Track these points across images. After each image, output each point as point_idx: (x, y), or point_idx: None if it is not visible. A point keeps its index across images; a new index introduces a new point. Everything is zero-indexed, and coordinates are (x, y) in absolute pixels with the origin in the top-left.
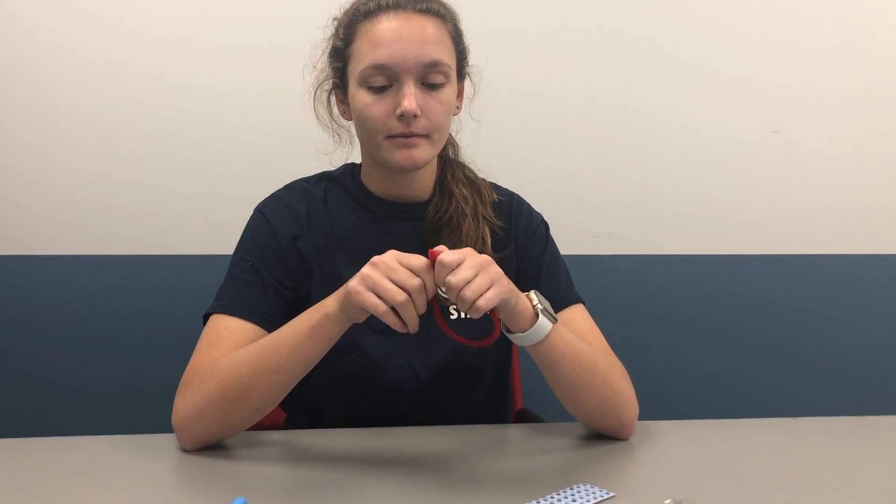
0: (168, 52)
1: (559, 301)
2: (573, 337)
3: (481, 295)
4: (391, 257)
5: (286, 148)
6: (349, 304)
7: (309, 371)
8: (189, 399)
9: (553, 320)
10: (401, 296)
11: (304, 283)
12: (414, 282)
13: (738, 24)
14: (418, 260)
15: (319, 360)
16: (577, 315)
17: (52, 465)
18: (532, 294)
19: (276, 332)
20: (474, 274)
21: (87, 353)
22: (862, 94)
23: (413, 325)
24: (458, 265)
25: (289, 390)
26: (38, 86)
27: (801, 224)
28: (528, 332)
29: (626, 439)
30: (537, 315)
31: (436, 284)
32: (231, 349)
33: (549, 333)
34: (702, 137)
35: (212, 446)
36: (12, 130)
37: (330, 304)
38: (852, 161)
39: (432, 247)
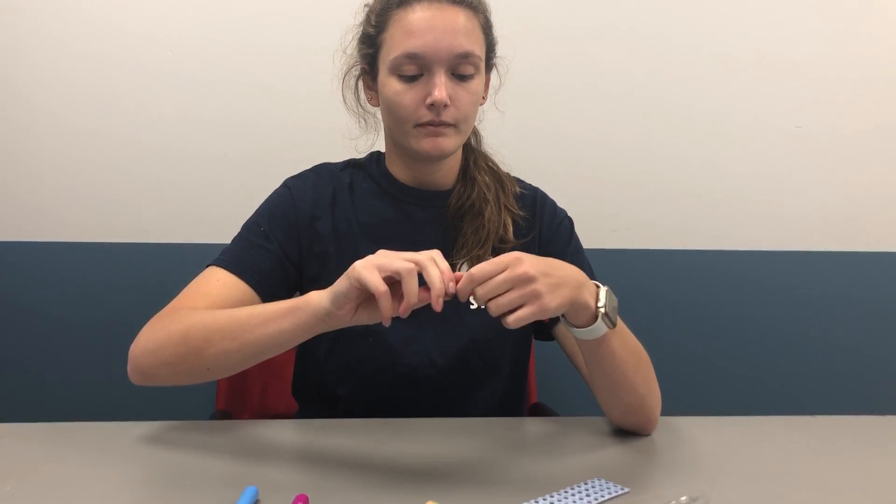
0: (192, 36)
1: None
2: (628, 334)
3: (511, 311)
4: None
5: (310, 135)
6: (340, 289)
7: (272, 356)
8: (153, 334)
9: (611, 325)
10: (407, 265)
11: (313, 264)
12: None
13: (762, 17)
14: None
15: (285, 347)
16: None
17: (61, 451)
18: (602, 291)
19: (262, 304)
20: (507, 288)
21: (96, 341)
22: (889, 89)
23: (412, 298)
24: (490, 278)
25: (245, 364)
26: (44, 73)
27: (825, 220)
28: (582, 328)
29: (649, 435)
30: (596, 317)
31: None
32: (218, 301)
33: (604, 333)
34: (723, 132)
35: (224, 435)
36: (19, 120)
37: (318, 294)
38: (878, 156)
39: (455, 232)
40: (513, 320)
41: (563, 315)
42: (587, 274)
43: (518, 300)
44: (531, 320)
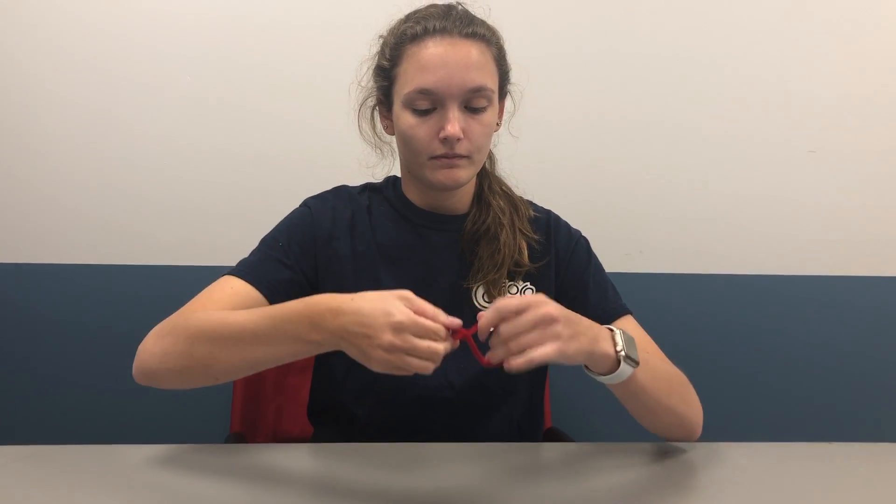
0: (212, 64)
1: (609, 313)
2: (655, 362)
3: (526, 350)
4: (407, 328)
5: (327, 163)
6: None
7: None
8: (160, 340)
9: (635, 365)
10: (429, 368)
11: (329, 283)
12: (437, 348)
13: (776, 43)
14: (436, 325)
15: (297, 358)
16: (628, 326)
17: (69, 475)
18: (617, 335)
19: (264, 315)
20: (531, 327)
21: (108, 363)
22: None
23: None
24: (515, 314)
25: (254, 372)
26: (48, 91)
27: (838, 245)
28: (608, 375)
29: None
30: (619, 361)
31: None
32: (228, 308)
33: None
34: (736, 156)
35: (238, 459)
36: (31, 143)
37: (329, 339)
38: (891, 182)
39: (471, 256)
40: (537, 355)
41: (586, 367)
42: (611, 292)
43: (540, 339)
44: (550, 360)
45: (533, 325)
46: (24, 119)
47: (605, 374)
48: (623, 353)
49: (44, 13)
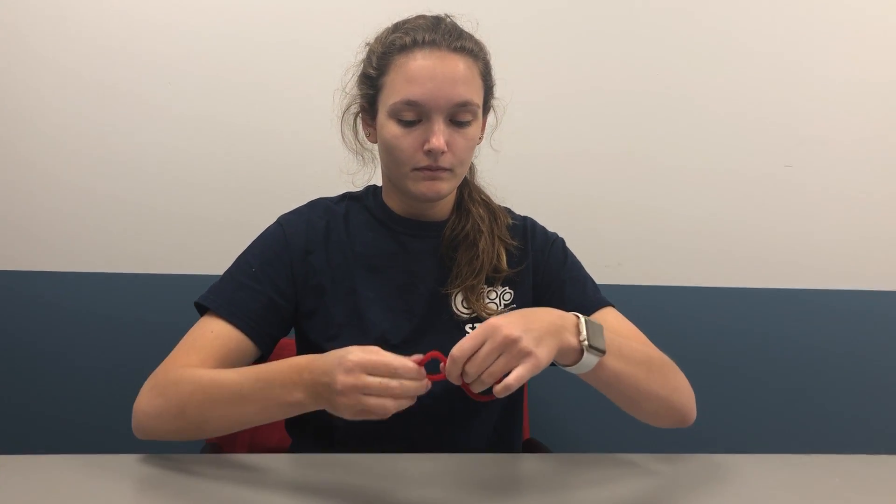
0: (192, 68)
1: (588, 306)
2: (629, 348)
3: (504, 378)
4: (359, 367)
5: (309, 170)
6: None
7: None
8: (153, 400)
9: (600, 354)
10: (387, 407)
11: (308, 298)
12: (389, 384)
13: (753, 58)
14: (387, 360)
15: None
16: (610, 317)
17: (42, 485)
18: (581, 324)
19: (250, 377)
20: (495, 357)
21: (83, 372)
22: (879, 134)
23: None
24: (473, 353)
25: (249, 427)
26: (42, 93)
27: (814, 259)
28: (573, 366)
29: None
30: (583, 351)
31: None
32: (212, 354)
33: (598, 362)
34: (715, 170)
35: (215, 469)
36: (25, 150)
37: (309, 398)
38: (866, 197)
39: (449, 262)
40: (513, 380)
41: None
42: (590, 286)
43: (509, 364)
44: (528, 378)
45: (496, 353)
46: (21, 123)
47: (570, 365)
48: (586, 343)
49: (35, 24)
